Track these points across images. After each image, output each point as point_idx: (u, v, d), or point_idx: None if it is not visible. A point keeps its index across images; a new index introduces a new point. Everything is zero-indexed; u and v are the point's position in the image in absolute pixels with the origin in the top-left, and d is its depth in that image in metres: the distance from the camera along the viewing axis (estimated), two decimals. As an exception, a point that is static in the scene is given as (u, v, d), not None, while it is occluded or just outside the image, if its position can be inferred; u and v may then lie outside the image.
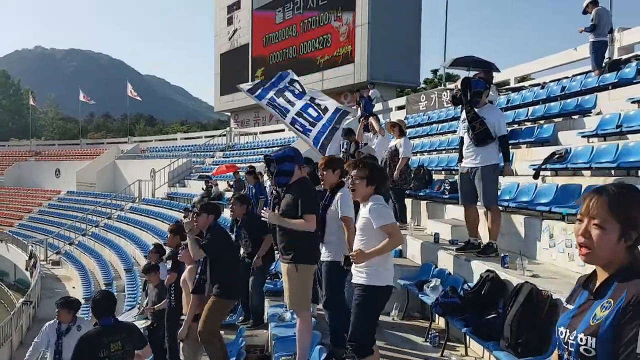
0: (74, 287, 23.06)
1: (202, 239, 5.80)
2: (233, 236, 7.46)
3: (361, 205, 4.31)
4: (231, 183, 18.13)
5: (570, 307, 1.91)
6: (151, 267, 8.41)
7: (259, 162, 21.41)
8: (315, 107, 6.86)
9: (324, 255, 5.12)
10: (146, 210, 28.35)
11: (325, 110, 6.82)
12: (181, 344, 6.01)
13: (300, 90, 7.16)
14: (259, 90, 7.23)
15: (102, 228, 29.61)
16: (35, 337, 7.06)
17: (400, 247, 8.29)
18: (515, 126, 10.60)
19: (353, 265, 4.26)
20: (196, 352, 5.90)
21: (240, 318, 7.71)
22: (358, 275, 4.20)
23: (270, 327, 6.36)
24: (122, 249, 24.82)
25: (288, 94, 7.02)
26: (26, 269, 27.01)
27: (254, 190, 11.09)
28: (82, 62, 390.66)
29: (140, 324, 7.45)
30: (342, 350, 5.21)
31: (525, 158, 8.95)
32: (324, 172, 5.07)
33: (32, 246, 29.00)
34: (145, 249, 21.46)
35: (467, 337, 5.47)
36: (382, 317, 5.45)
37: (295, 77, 7.42)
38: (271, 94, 7.09)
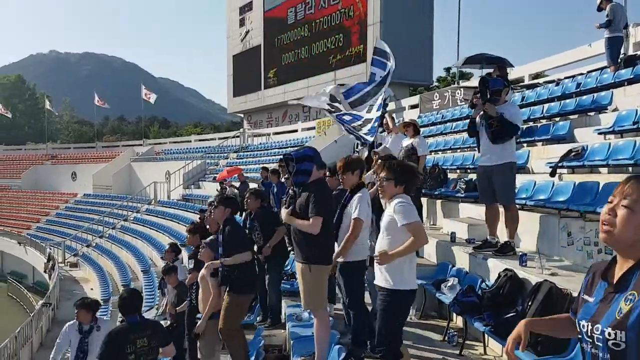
0: (92, 289, 23.27)
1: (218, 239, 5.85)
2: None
3: (387, 204, 4.28)
4: (237, 185, 18.23)
5: (589, 298, 1.90)
6: (170, 268, 8.53)
7: (273, 162, 21.46)
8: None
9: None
10: (162, 212, 28.56)
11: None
12: (199, 343, 6.06)
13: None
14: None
15: (119, 230, 29.89)
16: (56, 338, 7.15)
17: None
18: (531, 124, 10.54)
19: (376, 267, 4.25)
20: (213, 350, 5.95)
21: (258, 318, 7.76)
22: (382, 278, 4.17)
23: (288, 327, 6.40)
24: (138, 250, 25.03)
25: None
26: (45, 271, 27.32)
27: (275, 190, 11.12)
28: (96, 65, 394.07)
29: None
30: (361, 350, 5.24)
31: (541, 156, 8.90)
32: (344, 176, 5.08)
33: (50, 249, 29.32)
34: (162, 250, 21.59)
35: (486, 336, 5.47)
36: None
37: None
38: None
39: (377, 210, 5.07)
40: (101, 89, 57.23)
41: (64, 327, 6.97)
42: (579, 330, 1.89)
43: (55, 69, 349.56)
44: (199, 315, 5.88)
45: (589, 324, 1.82)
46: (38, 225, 38.10)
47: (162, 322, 8.09)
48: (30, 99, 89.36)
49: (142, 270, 21.79)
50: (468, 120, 7.20)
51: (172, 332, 7.59)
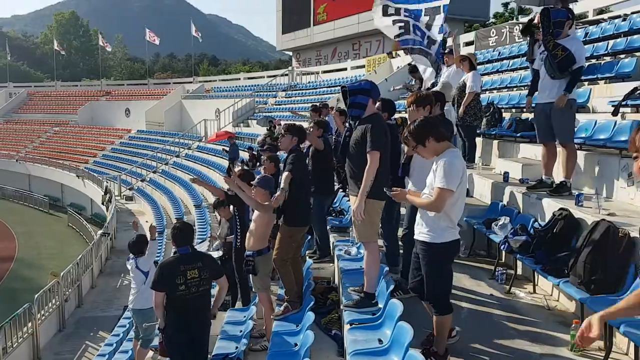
0: (147, 222, 24.20)
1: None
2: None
3: (434, 162, 4.03)
4: (227, 149, 18.68)
5: None
6: (220, 202, 8.73)
7: (321, 101, 21.35)
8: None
9: (410, 188, 5.10)
10: (212, 149, 29.05)
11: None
12: (251, 277, 6.22)
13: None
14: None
15: (172, 166, 30.71)
16: (115, 266, 7.59)
17: (467, 186, 8.18)
18: (593, 61, 10.02)
19: (416, 223, 4.18)
20: (266, 282, 6.12)
21: (307, 251, 7.91)
22: (420, 232, 4.10)
23: (337, 260, 6.51)
24: (190, 185, 25.68)
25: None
26: (102, 204, 28.54)
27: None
28: (146, 1, 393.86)
29: (213, 256, 7.80)
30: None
31: (603, 94, 8.52)
32: (415, 111, 4.99)
33: (107, 182, 30.50)
34: (214, 184, 22.16)
35: (536, 274, 5.44)
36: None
37: None
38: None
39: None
40: (151, 26, 57.35)
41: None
42: None
43: (107, 4, 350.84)
44: (247, 253, 5.97)
45: None
46: (95, 159, 39.54)
47: (215, 254, 8.41)
48: (85, 36, 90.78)
49: (194, 205, 22.46)
50: (526, 55, 6.94)
51: (224, 263, 7.86)
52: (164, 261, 5.83)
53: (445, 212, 3.91)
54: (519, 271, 5.93)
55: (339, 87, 5.07)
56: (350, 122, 5.17)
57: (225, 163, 24.75)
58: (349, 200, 6.68)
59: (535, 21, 7.25)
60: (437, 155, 3.97)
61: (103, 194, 28.87)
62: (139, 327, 8.30)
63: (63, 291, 13.94)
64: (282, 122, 19.75)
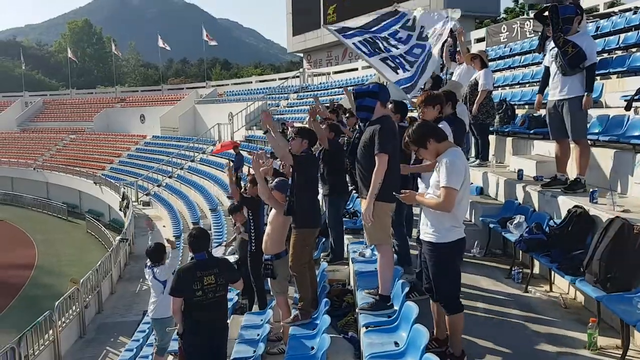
0: (164, 226, 24.39)
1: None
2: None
3: (437, 163, 4.02)
4: (232, 159, 18.85)
5: None
6: (235, 207, 8.83)
7: (335, 101, 21.38)
8: (421, 44, 6.67)
9: (421, 190, 5.12)
10: (227, 153, 29.10)
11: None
12: (270, 280, 6.25)
13: (409, 33, 6.82)
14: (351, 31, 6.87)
15: (187, 170, 30.93)
16: (134, 271, 7.70)
17: (480, 184, 8.19)
18: (605, 55, 9.93)
19: (421, 224, 4.22)
20: (285, 286, 6.15)
21: (322, 254, 7.94)
22: (425, 232, 4.11)
23: (351, 262, 6.53)
24: (206, 190, 25.88)
25: (392, 40, 6.71)
26: (120, 210, 28.80)
27: None
28: (158, 7, 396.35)
29: (230, 260, 7.87)
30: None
31: (616, 89, 8.43)
32: (425, 110, 5.00)
33: (124, 188, 30.79)
34: (228, 189, 22.30)
35: (552, 273, 5.42)
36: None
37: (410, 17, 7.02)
38: (365, 36, 6.74)
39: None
40: (164, 32, 57.86)
41: None
42: None
43: (119, 12, 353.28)
44: (265, 257, 5.97)
45: None
46: (112, 166, 39.96)
47: (232, 257, 8.49)
48: (98, 43, 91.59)
49: (210, 209, 22.61)
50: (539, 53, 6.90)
51: (240, 267, 7.93)
52: (181, 267, 5.91)
53: (451, 213, 3.93)
54: (536, 270, 5.91)
55: (351, 88, 5.07)
56: (360, 124, 5.19)
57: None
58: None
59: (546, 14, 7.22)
60: (440, 155, 4.00)
61: (120, 200, 29.14)
62: (157, 335, 8.42)
63: (83, 298, 14.12)
64: (295, 124, 19.90)
